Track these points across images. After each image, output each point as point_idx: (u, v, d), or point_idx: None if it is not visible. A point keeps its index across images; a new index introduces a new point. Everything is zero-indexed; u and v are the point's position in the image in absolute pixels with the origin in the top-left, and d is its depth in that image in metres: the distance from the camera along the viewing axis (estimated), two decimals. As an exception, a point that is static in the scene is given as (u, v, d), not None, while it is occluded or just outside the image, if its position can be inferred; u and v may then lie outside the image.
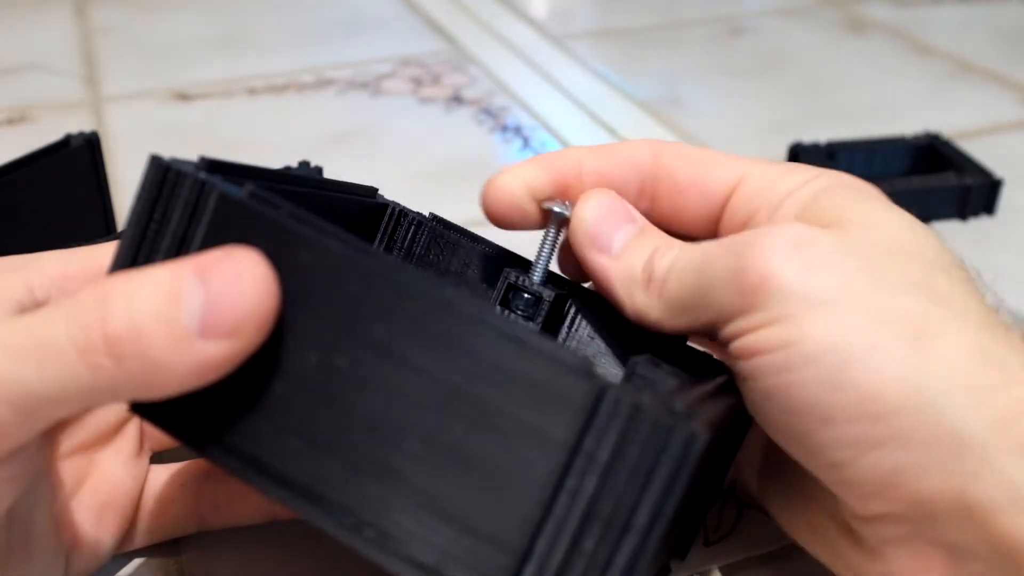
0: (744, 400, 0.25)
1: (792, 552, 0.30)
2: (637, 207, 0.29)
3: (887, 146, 0.51)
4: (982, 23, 0.76)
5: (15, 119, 0.58)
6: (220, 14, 0.74)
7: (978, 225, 0.49)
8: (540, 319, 0.29)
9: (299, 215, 0.22)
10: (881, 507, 0.23)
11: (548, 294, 0.29)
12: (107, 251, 0.26)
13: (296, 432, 0.22)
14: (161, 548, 0.30)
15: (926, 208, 0.48)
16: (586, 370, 0.20)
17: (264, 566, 0.29)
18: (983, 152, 0.51)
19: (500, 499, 0.20)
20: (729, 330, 0.24)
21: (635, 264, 0.27)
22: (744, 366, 0.24)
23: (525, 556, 0.20)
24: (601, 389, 0.20)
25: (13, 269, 0.25)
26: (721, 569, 0.30)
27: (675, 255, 0.26)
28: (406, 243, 0.32)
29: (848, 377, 0.22)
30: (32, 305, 0.24)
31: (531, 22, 0.75)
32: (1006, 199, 0.49)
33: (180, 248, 0.22)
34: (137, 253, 0.23)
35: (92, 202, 0.42)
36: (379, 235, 0.31)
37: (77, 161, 0.40)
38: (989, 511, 0.22)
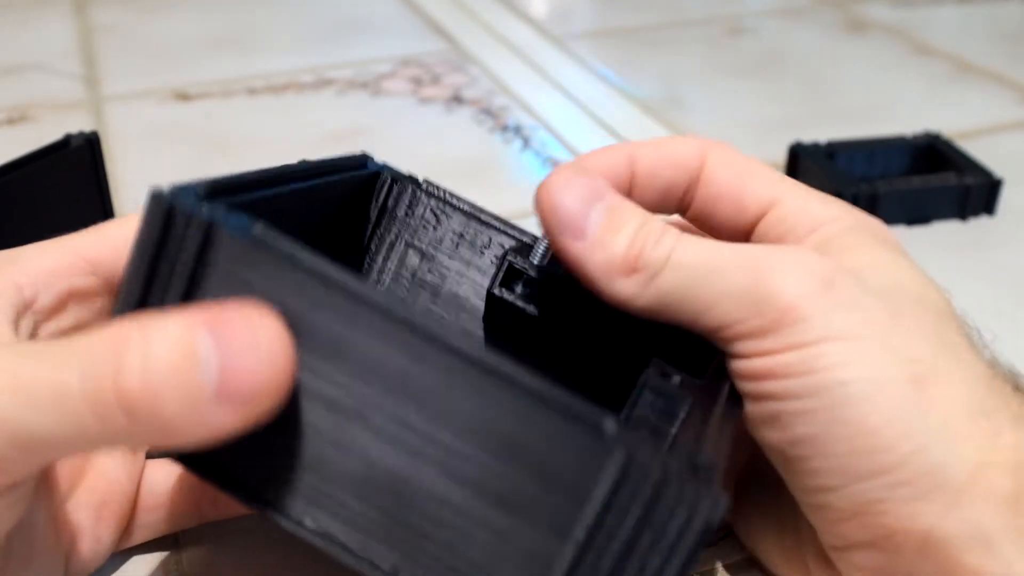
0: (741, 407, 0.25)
1: (792, 552, 0.30)
2: (680, 207, 0.29)
3: (887, 146, 0.51)
4: (982, 23, 0.76)
5: (15, 119, 0.57)
6: (220, 14, 0.74)
7: (978, 225, 0.49)
8: (537, 303, 0.28)
9: (307, 261, 0.20)
10: (852, 535, 0.24)
11: (549, 276, 0.28)
12: (91, 241, 0.26)
13: (312, 472, 0.21)
14: (161, 545, 0.30)
15: (926, 208, 0.48)
16: (612, 434, 0.20)
17: (265, 561, 0.29)
18: (983, 152, 0.51)
19: (524, 557, 0.21)
20: (737, 346, 0.24)
21: (614, 249, 0.25)
22: (749, 384, 0.25)
23: None
24: (628, 456, 0.20)
25: None
26: (721, 569, 0.30)
27: (674, 246, 0.25)
28: (399, 211, 0.31)
29: (852, 412, 0.23)
30: (23, 306, 0.24)
31: (531, 22, 0.75)
32: (1006, 199, 0.49)
33: (190, 287, 0.21)
34: (145, 294, 0.21)
35: (92, 202, 0.42)
36: (373, 204, 0.31)
37: (77, 161, 0.40)
38: (955, 549, 0.23)
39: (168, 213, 0.21)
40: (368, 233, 0.31)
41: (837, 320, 0.24)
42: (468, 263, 0.31)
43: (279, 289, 0.21)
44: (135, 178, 0.50)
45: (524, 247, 0.29)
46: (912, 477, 0.23)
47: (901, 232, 0.48)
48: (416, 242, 0.32)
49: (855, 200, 0.47)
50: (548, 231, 0.26)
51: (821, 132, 0.53)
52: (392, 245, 0.32)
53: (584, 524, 0.20)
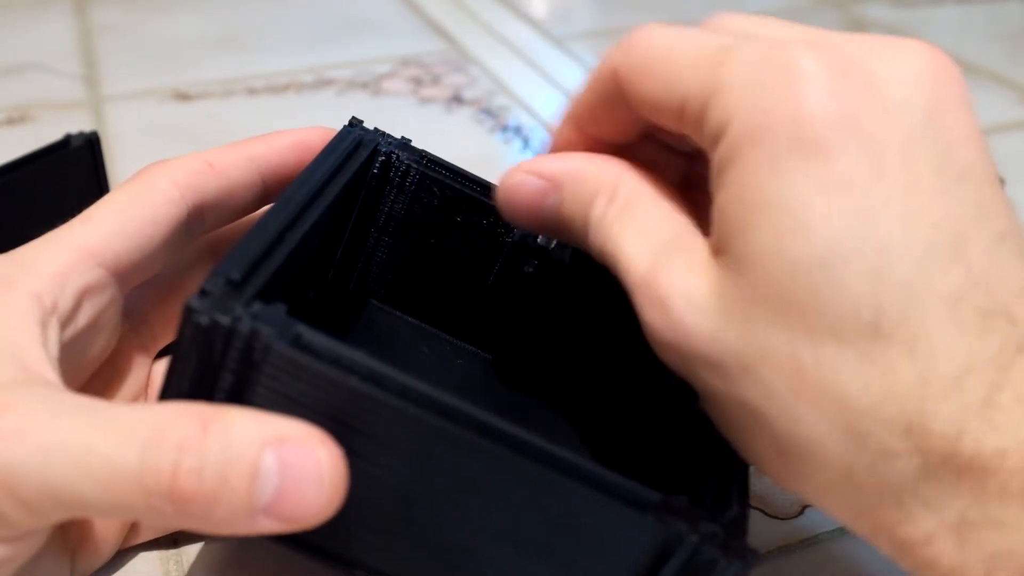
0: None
1: (792, 552, 0.30)
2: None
3: (887, 146, 0.51)
4: (982, 23, 0.76)
5: (15, 119, 0.58)
6: (220, 14, 0.74)
7: (978, 225, 0.48)
8: (550, 277, 0.29)
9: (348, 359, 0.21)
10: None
11: (559, 251, 0.29)
12: (88, 233, 0.26)
13: (374, 533, 0.23)
14: (160, 544, 0.30)
15: (926, 208, 0.48)
16: (657, 512, 0.22)
17: (264, 560, 0.29)
18: (983, 152, 0.51)
19: None
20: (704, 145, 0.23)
21: (573, 214, 0.24)
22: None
23: None
24: (675, 535, 0.22)
25: (9, 285, 0.24)
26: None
27: (620, 217, 0.24)
28: (399, 199, 0.31)
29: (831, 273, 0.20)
30: (46, 315, 0.24)
31: (531, 22, 0.75)
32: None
33: (239, 387, 0.21)
34: (194, 390, 0.22)
35: (92, 202, 0.42)
36: (363, 188, 0.30)
37: (77, 161, 0.40)
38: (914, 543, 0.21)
39: (210, 334, 0.21)
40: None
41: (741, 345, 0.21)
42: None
43: (327, 387, 0.21)
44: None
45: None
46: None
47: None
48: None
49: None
50: (513, 215, 0.26)
51: (821, 132, 0.53)
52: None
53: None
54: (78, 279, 0.25)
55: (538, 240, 0.29)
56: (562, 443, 0.22)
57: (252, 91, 0.61)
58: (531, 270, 0.30)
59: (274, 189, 0.29)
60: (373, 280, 0.31)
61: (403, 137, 0.30)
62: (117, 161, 0.52)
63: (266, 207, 0.29)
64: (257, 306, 0.21)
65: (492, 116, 0.60)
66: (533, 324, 0.31)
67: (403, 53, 0.69)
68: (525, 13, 0.77)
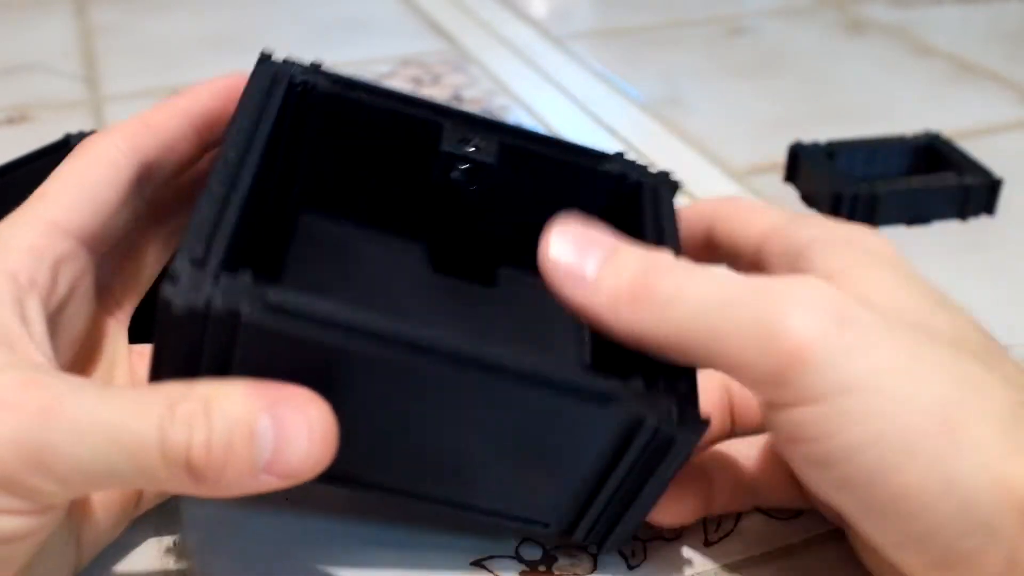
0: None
1: (792, 552, 0.30)
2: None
3: (887, 146, 0.51)
4: (982, 23, 0.76)
5: (15, 119, 0.58)
6: (220, 14, 0.74)
7: (978, 225, 0.49)
8: (484, 185, 0.30)
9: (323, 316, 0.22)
10: (910, 571, 0.24)
11: (491, 157, 0.30)
12: (52, 205, 0.26)
13: (382, 455, 0.26)
14: (160, 539, 0.30)
15: (926, 208, 0.48)
16: (617, 398, 0.25)
17: (263, 552, 0.29)
18: (983, 152, 0.51)
19: (553, 492, 0.27)
20: (758, 396, 0.24)
21: (617, 283, 0.25)
22: (783, 447, 0.24)
23: (575, 515, 0.28)
24: (636, 418, 0.25)
25: None
26: (721, 569, 0.30)
27: (683, 279, 0.24)
28: (322, 124, 0.31)
29: (883, 476, 0.22)
30: (23, 293, 0.24)
31: (531, 22, 0.75)
32: (1006, 199, 0.49)
33: (223, 359, 0.23)
34: (183, 368, 0.23)
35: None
36: (288, 122, 0.30)
37: (77, 161, 0.40)
38: None
39: (185, 316, 0.22)
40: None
41: (852, 366, 0.22)
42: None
43: (303, 343, 0.23)
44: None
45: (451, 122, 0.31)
46: (958, 534, 0.22)
47: (901, 232, 0.48)
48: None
49: (855, 200, 0.47)
50: (553, 288, 0.25)
51: (821, 132, 0.53)
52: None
53: (595, 469, 0.26)
54: (51, 252, 0.25)
55: (466, 149, 0.30)
56: (516, 344, 0.25)
57: (252, 91, 0.61)
58: (460, 176, 0.30)
59: (208, 138, 0.30)
60: (313, 199, 0.32)
61: (313, 63, 0.30)
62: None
63: (207, 156, 0.30)
64: (224, 279, 0.22)
65: (492, 116, 0.60)
66: (470, 224, 0.32)
67: (403, 53, 0.69)
68: (525, 13, 0.77)
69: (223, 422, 0.22)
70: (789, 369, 0.23)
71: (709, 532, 0.31)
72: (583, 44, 0.71)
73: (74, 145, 0.40)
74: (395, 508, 0.30)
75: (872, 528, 0.24)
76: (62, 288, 0.26)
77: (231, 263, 0.23)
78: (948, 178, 0.49)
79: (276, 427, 0.22)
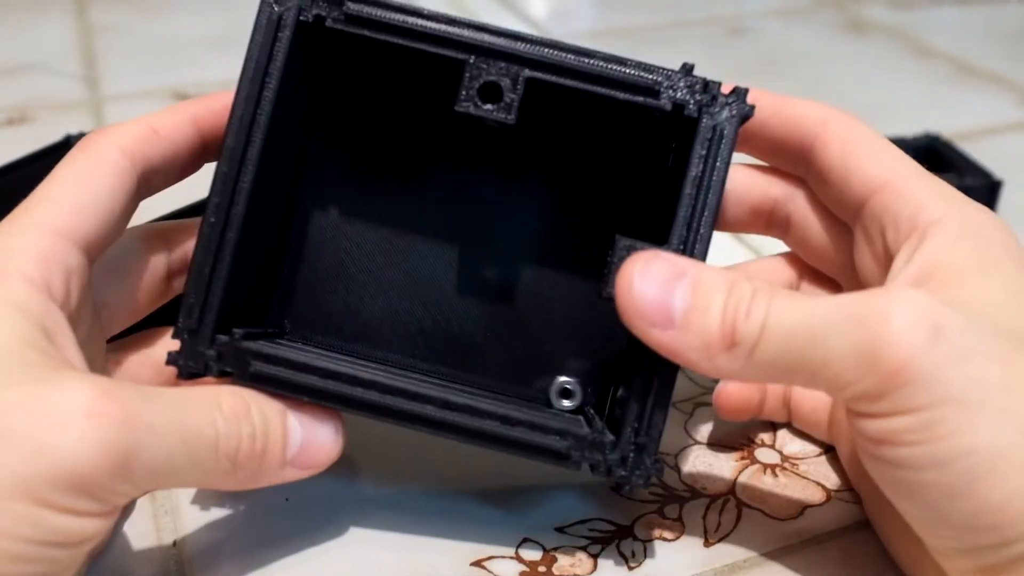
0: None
1: (792, 552, 0.30)
2: (796, 168, 0.30)
3: (887, 147, 0.51)
4: (982, 24, 0.76)
5: (15, 119, 0.58)
6: (220, 14, 0.74)
7: (978, 226, 0.48)
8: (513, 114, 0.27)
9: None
10: None
11: (511, 115, 0.27)
12: (52, 212, 0.25)
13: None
14: (160, 539, 0.30)
15: (926, 209, 0.48)
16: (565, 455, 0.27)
17: (262, 546, 0.29)
18: (983, 153, 0.51)
19: None
20: (852, 407, 0.24)
21: (707, 329, 0.24)
22: (870, 447, 0.24)
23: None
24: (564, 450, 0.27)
25: (2, 275, 0.24)
26: (721, 569, 0.30)
27: (767, 312, 0.24)
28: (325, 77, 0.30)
29: (974, 487, 0.22)
30: (49, 304, 0.24)
31: (531, 22, 0.75)
32: (1006, 200, 0.49)
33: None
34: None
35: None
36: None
37: (77, 161, 0.40)
38: None
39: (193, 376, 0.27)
40: None
41: (948, 380, 0.22)
42: None
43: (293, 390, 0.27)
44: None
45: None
46: None
47: (901, 233, 0.48)
48: None
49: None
50: (635, 329, 0.25)
51: (821, 133, 0.53)
52: None
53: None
54: (62, 262, 0.25)
55: (484, 107, 0.28)
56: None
57: (252, 91, 0.61)
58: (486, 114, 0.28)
59: (212, 147, 0.29)
60: (326, 156, 0.31)
61: None
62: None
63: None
64: (218, 344, 0.27)
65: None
66: (500, 158, 0.31)
67: (403, 53, 0.68)
68: (525, 13, 0.77)
69: (261, 417, 0.26)
70: (887, 388, 0.23)
71: (709, 532, 0.31)
72: (583, 44, 0.71)
73: (74, 145, 0.40)
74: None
75: (932, 532, 0.24)
76: (73, 301, 0.25)
77: (229, 316, 0.27)
78: (948, 179, 0.48)
79: (303, 422, 0.27)
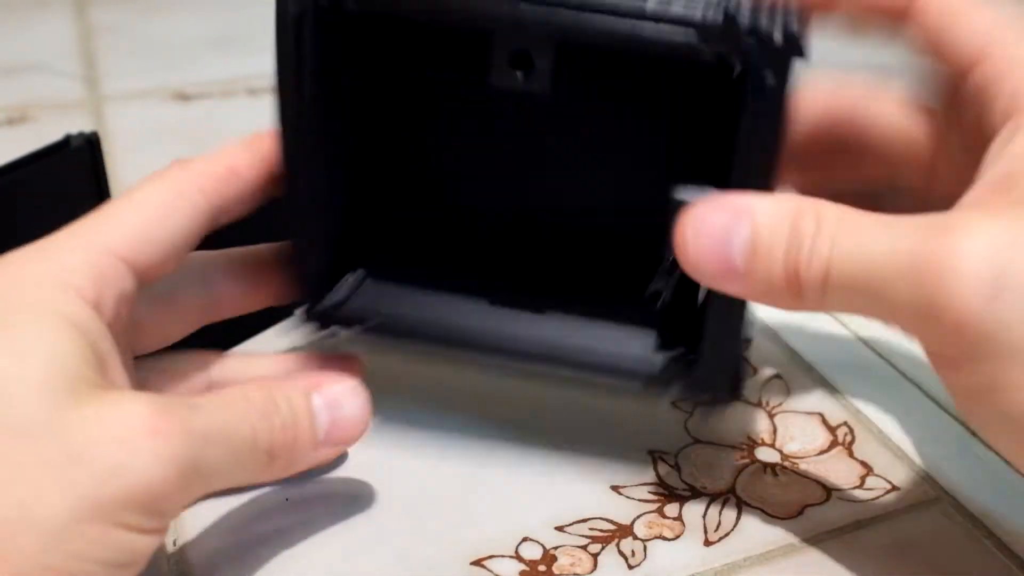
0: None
1: (792, 552, 0.30)
2: (895, 27, 0.27)
3: (887, 146, 0.51)
4: (982, 22, 0.76)
5: (15, 119, 0.58)
6: (220, 14, 0.74)
7: (978, 225, 0.48)
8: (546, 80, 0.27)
9: None
10: None
11: (545, 85, 0.27)
12: (113, 233, 0.26)
13: None
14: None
15: (926, 208, 0.48)
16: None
17: (261, 537, 0.29)
18: (983, 152, 0.51)
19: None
20: (929, 358, 0.24)
21: (771, 275, 0.23)
22: (956, 401, 0.24)
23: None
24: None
25: (60, 287, 0.24)
26: (721, 569, 0.30)
27: (829, 257, 0.23)
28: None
29: None
30: (95, 313, 0.24)
31: (531, 22, 0.75)
32: (1006, 198, 0.49)
33: None
34: None
35: (92, 203, 0.42)
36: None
37: (77, 161, 0.40)
38: None
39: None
40: None
41: (1012, 336, 0.21)
42: None
43: None
44: (135, 178, 0.50)
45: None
46: None
47: (901, 232, 0.48)
48: None
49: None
50: (702, 282, 0.25)
51: (821, 132, 0.53)
52: None
53: None
54: (116, 285, 0.25)
55: (516, 77, 0.27)
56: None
57: (252, 91, 0.61)
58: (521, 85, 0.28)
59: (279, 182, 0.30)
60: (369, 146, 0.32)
61: None
62: (117, 161, 0.52)
63: None
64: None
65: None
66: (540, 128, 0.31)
67: (403, 53, 0.68)
68: (525, 13, 0.77)
69: (287, 405, 0.26)
70: (952, 346, 0.22)
71: (709, 532, 0.31)
72: (583, 44, 0.71)
73: (74, 145, 0.40)
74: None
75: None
76: (121, 322, 0.26)
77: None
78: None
79: (327, 401, 0.27)
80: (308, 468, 0.28)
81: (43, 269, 0.24)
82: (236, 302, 0.31)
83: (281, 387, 0.27)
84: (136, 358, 0.29)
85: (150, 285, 0.27)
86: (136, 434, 0.22)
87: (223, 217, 0.28)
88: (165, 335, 0.30)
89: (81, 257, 0.25)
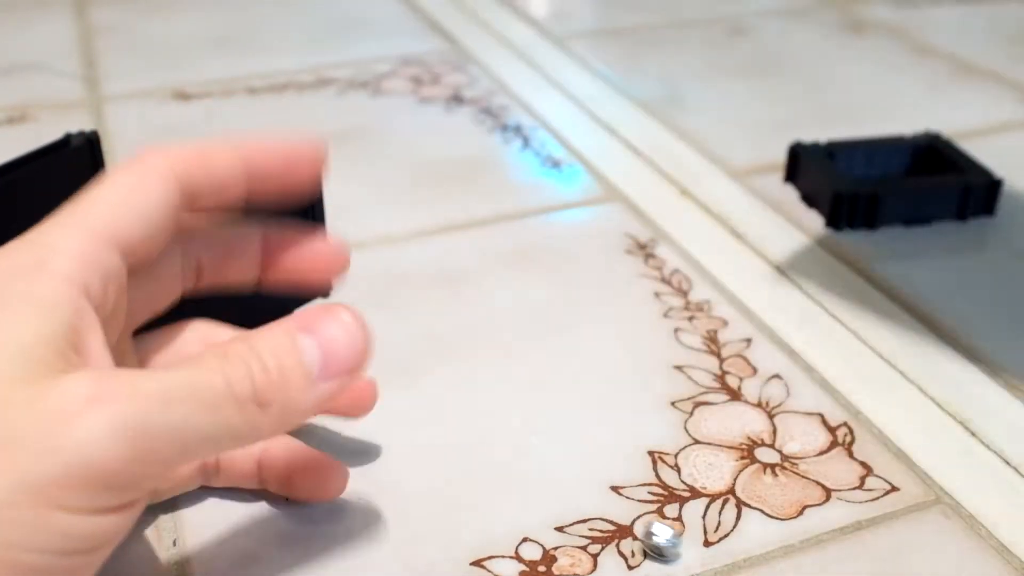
0: None
1: (792, 552, 0.30)
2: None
3: (887, 146, 0.51)
4: (982, 23, 0.76)
5: (15, 119, 0.58)
6: (220, 14, 0.74)
7: (978, 225, 0.49)
8: None
9: None
10: None
11: None
12: (99, 216, 0.25)
13: None
14: (160, 539, 0.30)
15: (926, 208, 0.48)
16: None
17: (260, 535, 0.29)
18: (983, 152, 0.51)
19: None
20: None
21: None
22: None
23: None
24: None
25: (45, 271, 0.24)
26: (721, 569, 0.30)
27: None
28: None
29: None
30: (84, 300, 0.24)
31: (531, 22, 0.75)
32: (1006, 199, 0.49)
33: None
34: None
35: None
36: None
37: (77, 160, 0.40)
38: None
39: None
40: None
41: None
42: None
43: None
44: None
45: None
46: None
47: (901, 232, 0.48)
48: None
49: (855, 200, 0.47)
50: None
51: (821, 132, 0.53)
52: None
53: None
54: (102, 265, 0.25)
55: None
56: None
57: (252, 91, 0.61)
58: None
59: (257, 193, 0.29)
60: None
61: None
62: (117, 161, 0.52)
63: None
64: None
65: (492, 116, 0.60)
66: None
67: (403, 53, 0.69)
68: (525, 13, 0.77)
69: (266, 345, 0.24)
70: None
71: (709, 532, 0.31)
72: (583, 44, 0.71)
73: (74, 144, 0.40)
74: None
75: None
76: (110, 302, 0.25)
77: None
78: (948, 178, 0.49)
79: (316, 337, 0.25)
80: (321, 412, 0.25)
81: (25, 257, 0.24)
82: (217, 272, 0.31)
83: (260, 332, 0.25)
84: (137, 334, 0.30)
85: (143, 266, 0.27)
86: (73, 407, 0.21)
87: (200, 202, 0.28)
88: (152, 309, 0.30)
89: (63, 241, 0.25)
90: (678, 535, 0.30)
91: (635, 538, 0.30)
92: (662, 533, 0.29)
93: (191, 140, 0.28)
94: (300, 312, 0.25)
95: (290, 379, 0.24)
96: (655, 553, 0.30)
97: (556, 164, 0.54)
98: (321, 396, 0.25)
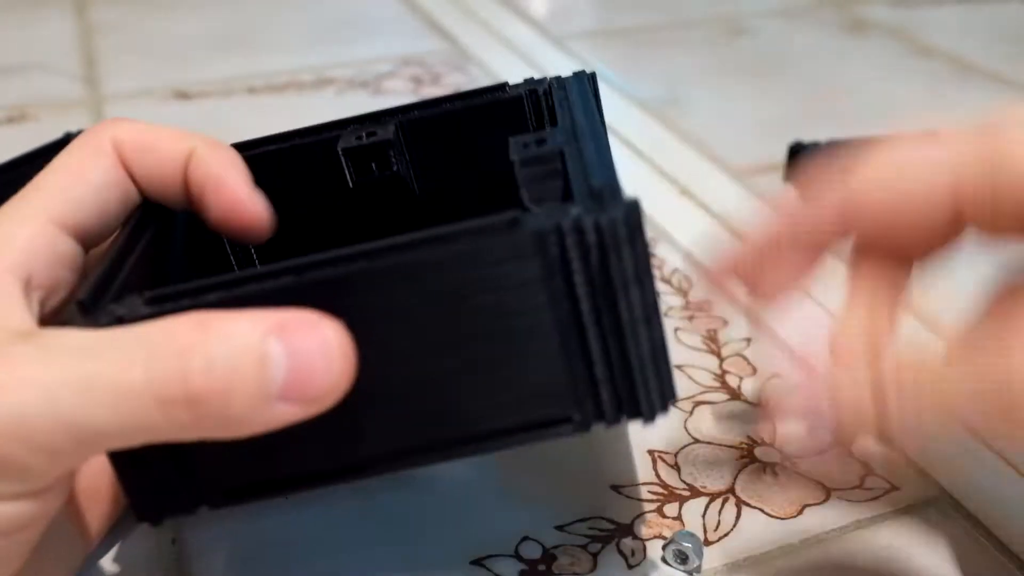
0: None
1: (792, 552, 0.30)
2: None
3: (887, 146, 0.51)
4: (982, 23, 0.76)
5: (15, 118, 0.58)
6: (221, 14, 0.74)
7: (978, 225, 0.48)
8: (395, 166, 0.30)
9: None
10: None
11: (388, 133, 0.31)
12: (48, 200, 0.25)
13: (360, 423, 0.23)
14: (160, 539, 0.30)
15: (926, 208, 0.48)
16: (515, 221, 0.22)
17: (262, 534, 0.29)
18: (983, 152, 0.51)
19: (532, 364, 0.23)
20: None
21: (858, 419, 0.24)
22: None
23: (584, 388, 0.23)
24: (538, 232, 0.21)
25: None
26: (721, 569, 0.30)
27: (916, 406, 0.24)
28: None
29: None
30: (24, 288, 0.24)
31: (531, 22, 0.75)
32: (1006, 199, 0.49)
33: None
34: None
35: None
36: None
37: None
38: None
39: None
40: None
41: None
42: None
43: None
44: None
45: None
46: None
47: (901, 232, 0.48)
48: None
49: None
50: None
51: (821, 132, 0.53)
52: None
53: (560, 319, 0.22)
54: (50, 249, 0.25)
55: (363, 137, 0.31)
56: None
57: (252, 90, 0.61)
58: (373, 169, 0.31)
59: (195, 196, 0.28)
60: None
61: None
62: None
63: None
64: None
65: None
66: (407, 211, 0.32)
67: (403, 53, 0.69)
68: (525, 13, 0.77)
69: (226, 346, 0.20)
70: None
71: (709, 531, 0.31)
72: (583, 44, 0.71)
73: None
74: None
75: None
76: (61, 289, 0.25)
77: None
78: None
79: (289, 348, 0.20)
80: (273, 426, 0.21)
81: None
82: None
83: (227, 323, 0.21)
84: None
85: (101, 241, 0.27)
86: None
87: (149, 185, 0.28)
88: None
89: (7, 226, 0.25)
90: (702, 545, 0.30)
91: (635, 537, 0.30)
92: (688, 541, 0.29)
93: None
94: (273, 312, 0.21)
95: (239, 391, 0.20)
96: (679, 559, 0.29)
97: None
98: (274, 419, 0.21)
